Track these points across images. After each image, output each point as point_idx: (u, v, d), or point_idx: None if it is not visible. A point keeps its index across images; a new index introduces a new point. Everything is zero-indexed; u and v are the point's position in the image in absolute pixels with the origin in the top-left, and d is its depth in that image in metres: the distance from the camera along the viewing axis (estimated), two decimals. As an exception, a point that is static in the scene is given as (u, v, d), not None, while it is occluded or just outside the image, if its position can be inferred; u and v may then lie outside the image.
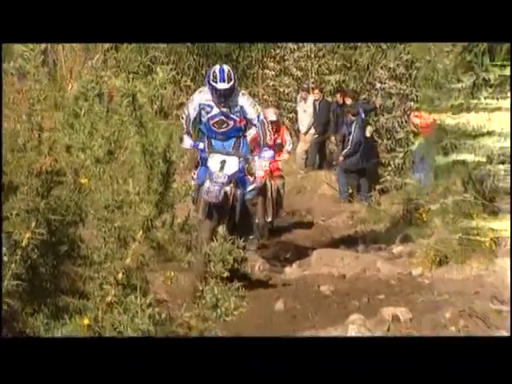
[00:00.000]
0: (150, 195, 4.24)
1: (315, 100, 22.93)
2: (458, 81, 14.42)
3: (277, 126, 17.28)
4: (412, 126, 19.28)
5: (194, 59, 24.58)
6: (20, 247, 4.28)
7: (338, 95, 22.73)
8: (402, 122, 20.95)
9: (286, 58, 24.80)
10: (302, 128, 23.19)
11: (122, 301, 4.18)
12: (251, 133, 12.09)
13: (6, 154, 4.60)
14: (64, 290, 4.49)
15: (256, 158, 11.11)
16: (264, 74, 25.30)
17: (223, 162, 10.24)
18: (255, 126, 10.80)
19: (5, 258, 4.25)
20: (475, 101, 13.86)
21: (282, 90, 24.95)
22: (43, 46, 5.00)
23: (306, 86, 23.67)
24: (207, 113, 10.47)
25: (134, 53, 22.13)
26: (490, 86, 13.82)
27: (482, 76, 13.99)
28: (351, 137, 20.48)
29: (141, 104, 4.48)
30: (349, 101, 22.13)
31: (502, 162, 13.69)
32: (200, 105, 10.51)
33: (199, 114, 10.61)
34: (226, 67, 10.89)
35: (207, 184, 10.11)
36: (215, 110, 10.48)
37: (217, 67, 10.72)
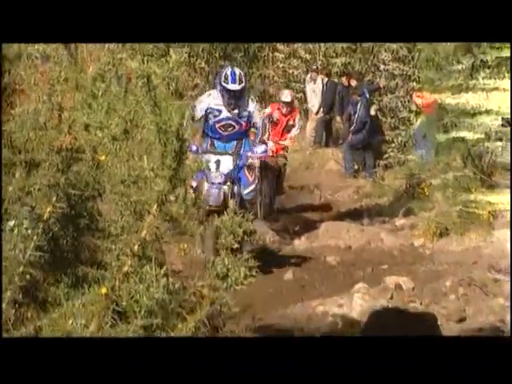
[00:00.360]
0: (164, 171, 4.22)
1: (322, 81, 22.92)
2: (458, 62, 14.44)
3: (291, 107, 17.30)
4: (414, 106, 19.31)
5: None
6: (42, 220, 4.27)
7: (344, 78, 22.83)
8: (404, 102, 20.94)
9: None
10: (313, 108, 23.21)
11: (138, 271, 4.15)
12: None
13: (29, 132, 4.62)
14: (83, 260, 4.47)
15: (249, 153, 10.57)
16: (274, 57, 25.27)
17: (218, 162, 9.93)
18: (256, 128, 10.48)
19: (28, 231, 4.26)
20: (474, 81, 13.88)
21: (291, 71, 24.93)
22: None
23: (315, 67, 23.65)
24: (215, 116, 10.13)
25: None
26: (488, 67, 13.86)
27: (480, 58, 14.01)
28: (357, 116, 20.51)
29: (155, 85, 4.46)
30: (354, 82, 22.17)
31: (500, 139, 13.74)
32: (208, 109, 10.16)
33: (206, 116, 10.25)
34: (237, 70, 10.61)
35: (206, 187, 9.84)
36: (223, 114, 10.14)
37: (228, 69, 10.39)
